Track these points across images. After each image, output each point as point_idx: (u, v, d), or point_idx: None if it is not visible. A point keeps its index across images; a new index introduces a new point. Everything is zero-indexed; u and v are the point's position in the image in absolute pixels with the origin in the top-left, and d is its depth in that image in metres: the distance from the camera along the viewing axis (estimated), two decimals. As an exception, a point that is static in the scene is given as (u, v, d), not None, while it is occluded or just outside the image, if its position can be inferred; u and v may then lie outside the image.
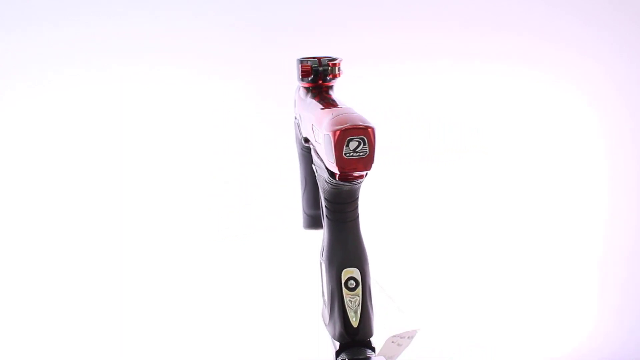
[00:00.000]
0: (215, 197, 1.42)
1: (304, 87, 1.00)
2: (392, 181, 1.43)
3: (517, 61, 1.43)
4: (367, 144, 0.81)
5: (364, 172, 0.84)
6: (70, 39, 1.36)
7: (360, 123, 0.81)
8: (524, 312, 1.50)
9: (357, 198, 0.90)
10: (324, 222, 0.92)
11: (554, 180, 1.47)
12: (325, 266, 0.90)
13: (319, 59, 0.99)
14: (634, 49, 1.45)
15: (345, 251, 0.90)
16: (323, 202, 0.91)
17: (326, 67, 0.98)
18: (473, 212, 1.47)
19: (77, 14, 1.36)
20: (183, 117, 1.40)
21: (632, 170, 1.49)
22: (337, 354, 0.89)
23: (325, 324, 0.93)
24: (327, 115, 0.85)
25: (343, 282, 0.89)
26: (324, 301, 0.93)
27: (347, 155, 0.81)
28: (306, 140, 0.98)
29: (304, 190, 1.09)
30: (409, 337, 1.10)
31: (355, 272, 0.89)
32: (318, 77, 0.99)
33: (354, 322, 0.89)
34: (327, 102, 0.94)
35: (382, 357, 0.94)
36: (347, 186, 0.87)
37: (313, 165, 0.93)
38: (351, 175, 0.84)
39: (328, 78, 0.99)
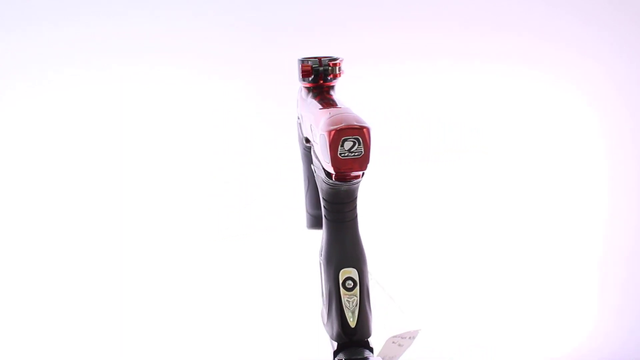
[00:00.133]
0: (216, 197, 1.42)
1: (305, 88, 1.00)
2: (391, 181, 1.43)
3: (517, 61, 1.43)
4: (362, 144, 0.81)
5: (360, 172, 0.83)
6: (70, 39, 1.36)
7: (355, 123, 0.81)
8: (524, 312, 1.50)
9: (355, 198, 0.89)
10: (323, 222, 0.92)
11: (554, 181, 1.47)
12: (324, 266, 0.90)
13: (319, 59, 0.99)
14: (634, 49, 1.45)
15: (343, 251, 0.89)
16: (321, 202, 0.91)
17: (327, 67, 0.98)
18: (473, 212, 1.46)
19: (77, 14, 1.36)
20: (183, 117, 1.40)
21: (632, 170, 1.49)
22: (335, 354, 0.89)
23: (323, 324, 0.93)
24: (324, 115, 0.85)
25: (341, 282, 0.89)
26: (323, 301, 0.92)
27: (342, 155, 0.81)
28: (307, 140, 0.98)
29: (307, 190, 1.09)
30: (410, 338, 1.10)
31: (353, 272, 0.89)
32: (319, 77, 0.98)
33: (352, 322, 0.89)
34: (327, 102, 0.94)
35: (380, 357, 0.94)
36: (344, 186, 0.87)
37: (312, 166, 0.93)
38: (347, 175, 0.84)
39: (329, 78, 0.98)
